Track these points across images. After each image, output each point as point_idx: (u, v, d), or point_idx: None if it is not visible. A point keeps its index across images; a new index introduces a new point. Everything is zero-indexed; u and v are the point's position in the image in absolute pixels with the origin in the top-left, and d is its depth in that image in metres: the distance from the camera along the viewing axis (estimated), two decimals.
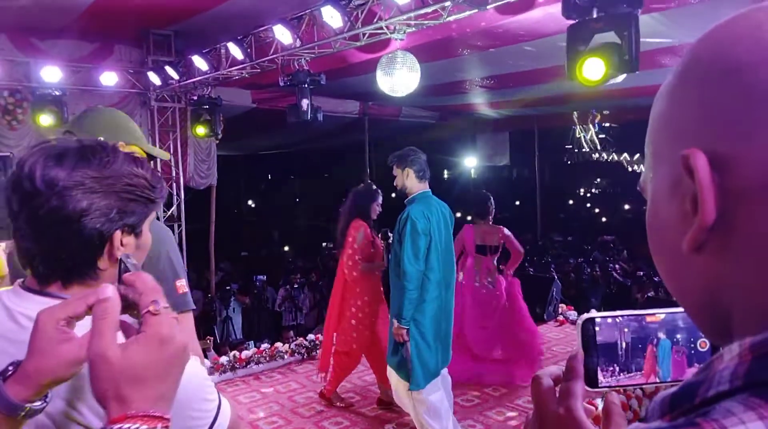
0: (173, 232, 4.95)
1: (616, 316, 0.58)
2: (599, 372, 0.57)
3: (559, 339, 5.96)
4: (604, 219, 24.35)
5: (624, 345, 0.57)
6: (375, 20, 4.61)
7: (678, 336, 0.57)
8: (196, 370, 0.88)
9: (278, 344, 5.54)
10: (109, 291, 0.63)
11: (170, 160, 7.34)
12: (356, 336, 4.19)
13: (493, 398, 4.45)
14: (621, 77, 3.24)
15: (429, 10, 4.24)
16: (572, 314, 6.59)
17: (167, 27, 6.67)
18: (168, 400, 0.61)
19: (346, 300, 4.22)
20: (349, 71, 6.66)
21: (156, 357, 0.60)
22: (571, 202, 28.27)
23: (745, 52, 0.36)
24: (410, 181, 3.42)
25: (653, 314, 0.58)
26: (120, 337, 0.62)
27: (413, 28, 4.63)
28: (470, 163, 14.02)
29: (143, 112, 7.21)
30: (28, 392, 0.66)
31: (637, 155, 11.76)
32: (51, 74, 6.03)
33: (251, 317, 9.01)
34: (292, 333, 7.30)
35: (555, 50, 5.07)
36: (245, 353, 5.28)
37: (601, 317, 0.58)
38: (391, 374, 3.55)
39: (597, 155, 11.69)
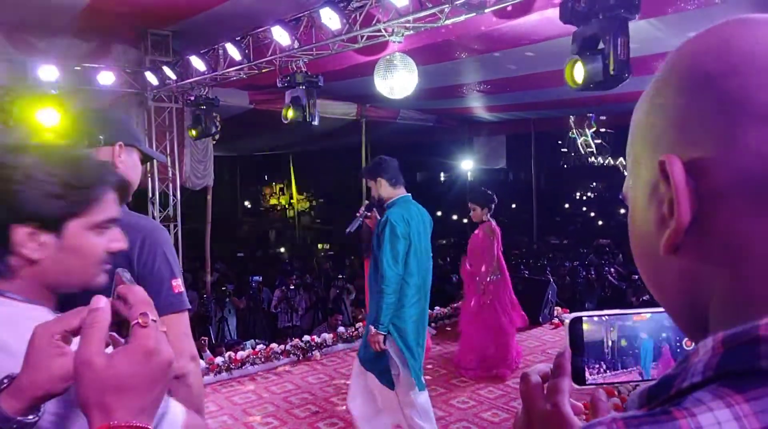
0: (169, 232, 4.94)
1: (603, 316, 0.59)
2: (586, 370, 0.58)
3: (554, 342, 5.98)
4: (599, 222, 24.45)
5: (611, 344, 0.59)
6: (373, 22, 4.62)
7: (663, 335, 0.59)
8: None
9: (273, 345, 5.54)
10: (102, 302, 0.64)
11: (167, 161, 7.34)
12: None
13: (487, 401, 4.47)
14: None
15: (427, 13, 4.26)
16: (567, 317, 6.60)
17: (165, 27, 6.67)
18: (150, 414, 0.60)
19: None
20: (347, 73, 6.68)
21: (140, 368, 0.59)
22: (567, 205, 28.39)
23: (716, 62, 0.38)
24: (384, 190, 3.41)
25: (639, 314, 0.59)
26: (109, 350, 0.62)
27: (411, 31, 4.66)
28: (467, 165, 14.04)
29: (140, 112, 7.21)
30: (21, 405, 0.66)
31: None
32: (48, 73, 6.02)
33: (246, 318, 8.99)
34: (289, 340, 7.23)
35: (552, 54, 5.10)
36: (240, 354, 5.27)
37: (589, 316, 0.60)
38: (372, 381, 3.39)
39: (593, 159, 11.75)
